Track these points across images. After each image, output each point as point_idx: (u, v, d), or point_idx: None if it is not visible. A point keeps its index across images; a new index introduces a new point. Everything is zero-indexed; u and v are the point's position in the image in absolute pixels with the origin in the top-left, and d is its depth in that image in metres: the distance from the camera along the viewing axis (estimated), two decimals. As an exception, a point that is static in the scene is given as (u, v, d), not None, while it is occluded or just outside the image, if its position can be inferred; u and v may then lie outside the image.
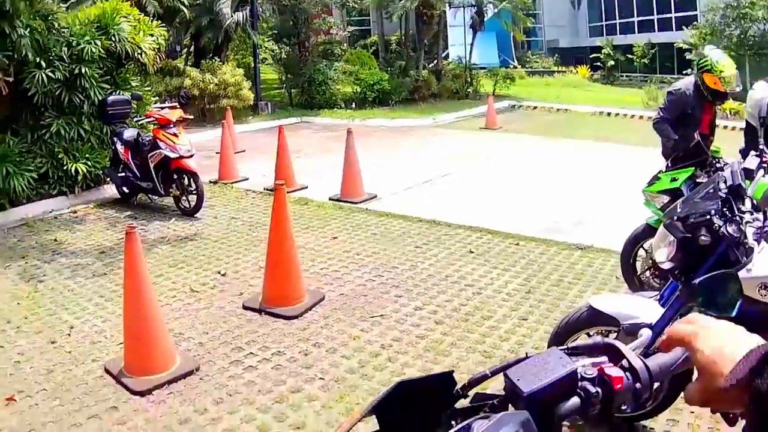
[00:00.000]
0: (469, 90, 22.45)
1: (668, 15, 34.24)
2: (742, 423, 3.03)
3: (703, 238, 2.64)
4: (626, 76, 35.29)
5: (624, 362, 1.17)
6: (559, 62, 37.35)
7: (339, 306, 5.18)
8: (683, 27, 26.85)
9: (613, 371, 1.14)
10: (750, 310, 2.52)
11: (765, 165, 3.31)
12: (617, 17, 38.74)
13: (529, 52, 39.72)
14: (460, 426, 1.05)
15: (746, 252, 2.47)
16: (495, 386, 1.98)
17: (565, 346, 1.24)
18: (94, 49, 8.33)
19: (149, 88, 10.40)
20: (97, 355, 4.45)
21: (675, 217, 2.81)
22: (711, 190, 2.79)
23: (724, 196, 2.75)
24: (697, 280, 2.78)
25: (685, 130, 5.22)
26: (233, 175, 9.99)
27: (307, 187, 9.28)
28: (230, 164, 10.06)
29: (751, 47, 23.83)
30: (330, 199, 8.62)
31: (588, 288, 5.39)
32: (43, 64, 8.03)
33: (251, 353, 4.42)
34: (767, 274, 2.49)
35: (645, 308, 3.04)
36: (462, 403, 1.17)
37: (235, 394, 3.90)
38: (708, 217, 2.66)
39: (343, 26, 26.68)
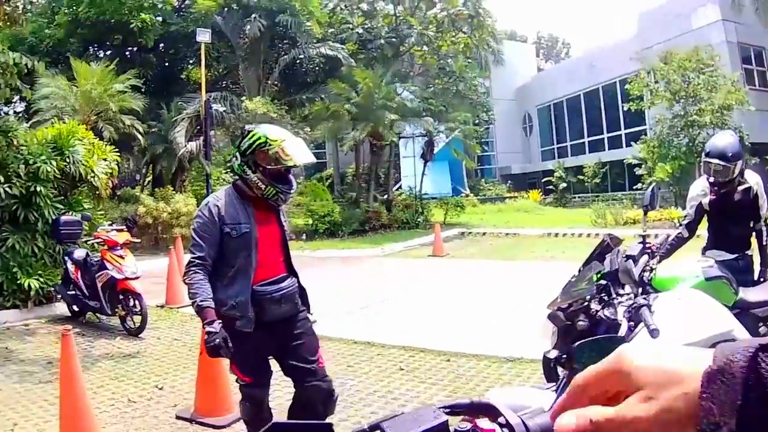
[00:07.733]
0: (419, 219, 22.54)
1: (618, 132, 34.74)
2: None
3: (580, 322, 2.77)
4: (578, 197, 35.57)
5: (501, 419, 1.19)
6: (512, 188, 38.18)
7: (268, 414, 5.39)
8: (632, 143, 26.42)
9: (486, 425, 1.17)
10: None
11: (648, 251, 3.58)
12: (568, 140, 39.55)
13: (483, 179, 40.79)
14: None
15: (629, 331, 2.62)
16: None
17: (443, 404, 1.22)
18: (49, 169, 8.57)
19: (102, 212, 10.61)
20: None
21: (556, 308, 3.01)
22: (586, 278, 2.99)
23: (603, 283, 2.92)
24: (576, 344, 3.02)
25: None
26: (179, 300, 10.07)
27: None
28: (176, 289, 10.17)
29: (700, 153, 23.39)
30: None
31: (514, 398, 5.58)
32: (2, 179, 8.28)
33: (178, 459, 4.62)
34: None
35: (541, 399, 3.25)
36: None
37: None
38: (585, 303, 2.81)
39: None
